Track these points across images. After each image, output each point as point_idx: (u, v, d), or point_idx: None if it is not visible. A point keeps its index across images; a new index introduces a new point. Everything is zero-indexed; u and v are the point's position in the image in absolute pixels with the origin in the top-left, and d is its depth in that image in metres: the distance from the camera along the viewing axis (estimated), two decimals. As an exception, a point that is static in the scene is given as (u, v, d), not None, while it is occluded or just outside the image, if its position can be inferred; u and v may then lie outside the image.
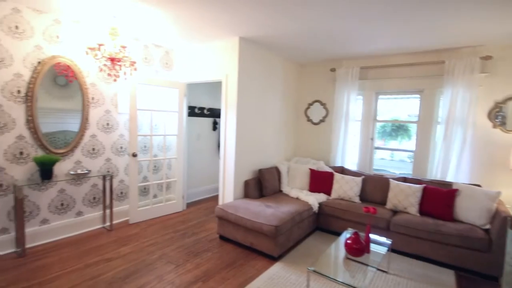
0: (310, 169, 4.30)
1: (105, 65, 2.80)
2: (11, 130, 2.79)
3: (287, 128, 4.82)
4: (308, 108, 4.99)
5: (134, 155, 3.74)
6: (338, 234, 3.59)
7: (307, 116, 5.00)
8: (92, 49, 2.77)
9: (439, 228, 2.95)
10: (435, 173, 3.73)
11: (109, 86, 3.59)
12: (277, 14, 2.76)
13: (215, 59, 3.86)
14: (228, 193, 3.79)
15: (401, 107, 4.59)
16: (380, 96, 4.38)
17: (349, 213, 3.55)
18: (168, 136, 4.30)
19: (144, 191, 4.18)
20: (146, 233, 3.53)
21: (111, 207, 3.57)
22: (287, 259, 3.01)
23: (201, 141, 5.17)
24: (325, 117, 4.80)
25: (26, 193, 2.92)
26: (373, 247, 2.56)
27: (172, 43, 4.03)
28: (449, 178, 3.59)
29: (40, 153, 3.01)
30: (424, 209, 3.29)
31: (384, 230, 3.26)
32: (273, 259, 2.97)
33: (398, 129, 4.88)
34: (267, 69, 4.13)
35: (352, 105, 4.36)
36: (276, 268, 2.79)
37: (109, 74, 2.87)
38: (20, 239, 2.81)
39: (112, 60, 2.78)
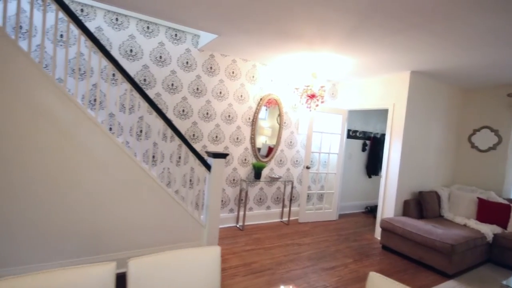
0: (479, 198, 4.15)
1: (307, 101, 3.84)
2: (242, 144, 4.21)
3: (447, 154, 4.78)
4: (473, 134, 4.79)
5: (308, 168, 4.69)
6: (519, 270, 3.38)
7: (471, 143, 4.80)
8: (297, 88, 3.89)
9: None
10: None
11: (294, 113, 4.73)
12: (457, 50, 3.08)
13: (381, 89, 4.42)
14: (387, 209, 4.18)
15: None
16: None
17: (536, 250, 3.29)
18: (331, 154, 5.11)
19: (307, 198, 5.08)
20: (315, 231, 4.35)
21: (289, 207, 4.61)
22: (462, 279, 3.14)
23: (351, 160, 5.74)
24: (496, 144, 4.50)
25: (245, 187, 4.26)
26: None
27: (339, 78, 4.87)
28: None
29: (254, 160, 4.33)
30: None
31: None
32: (447, 276, 3.16)
33: None
34: (430, 96, 4.37)
35: (537, 133, 3.98)
36: (453, 284, 2.99)
37: (307, 107, 3.90)
38: (241, 218, 4.13)
39: (312, 96, 3.80)
